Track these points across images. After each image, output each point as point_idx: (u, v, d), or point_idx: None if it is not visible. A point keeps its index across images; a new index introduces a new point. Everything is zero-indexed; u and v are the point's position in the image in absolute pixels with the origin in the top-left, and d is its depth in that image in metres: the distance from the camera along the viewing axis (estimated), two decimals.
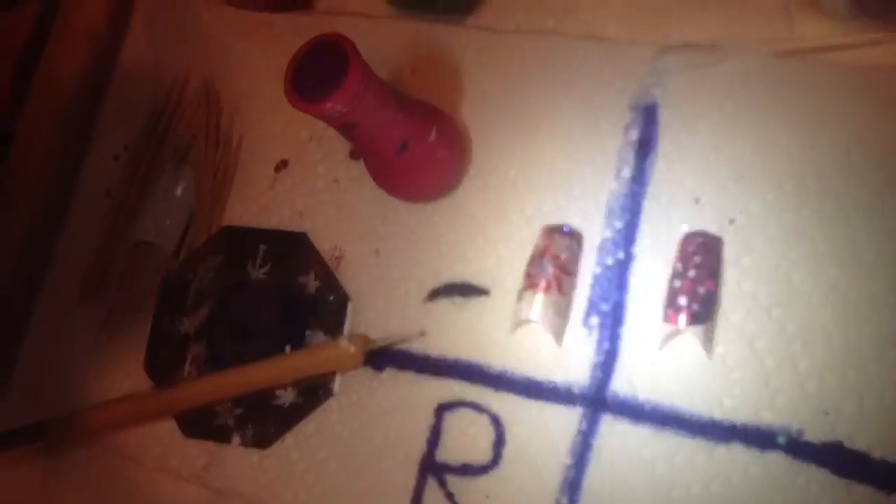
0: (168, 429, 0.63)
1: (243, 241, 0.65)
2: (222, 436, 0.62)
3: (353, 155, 0.63)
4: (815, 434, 0.47)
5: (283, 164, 0.65)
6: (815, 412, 0.48)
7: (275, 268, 0.63)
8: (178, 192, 0.66)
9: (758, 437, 0.48)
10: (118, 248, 0.67)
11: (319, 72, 0.50)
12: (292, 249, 0.63)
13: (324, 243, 0.62)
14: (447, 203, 0.60)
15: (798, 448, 0.47)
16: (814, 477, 0.47)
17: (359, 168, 0.62)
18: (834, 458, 0.47)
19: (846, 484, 0.46)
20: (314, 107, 0.49)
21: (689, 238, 0.51)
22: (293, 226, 0.63)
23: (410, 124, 0.55)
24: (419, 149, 0.55)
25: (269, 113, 0.66)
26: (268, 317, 0.62)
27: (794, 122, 0.52)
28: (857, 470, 0.46)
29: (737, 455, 0.49)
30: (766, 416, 0.49)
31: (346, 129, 0.53)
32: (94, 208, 0.71)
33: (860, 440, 0.46)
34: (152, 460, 0.63)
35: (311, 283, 0.62)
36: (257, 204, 0.65)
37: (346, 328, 0.60)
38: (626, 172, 0.55)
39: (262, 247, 0.64)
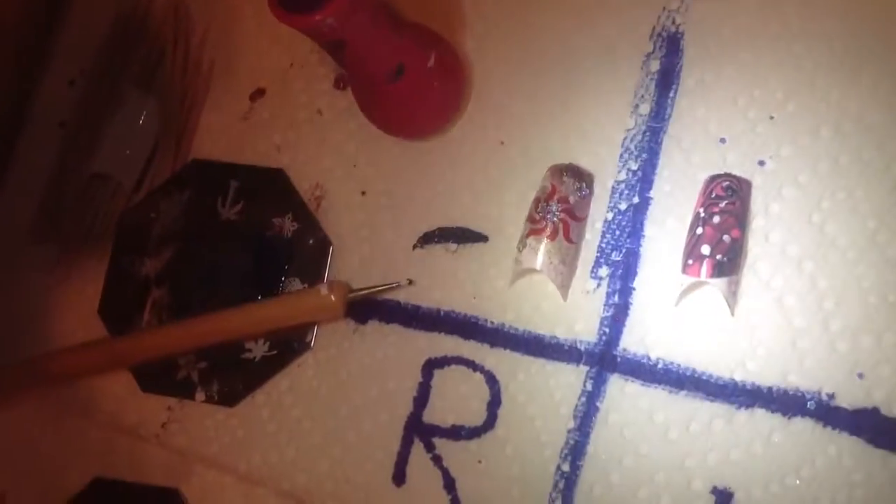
0: (124, 382, 0.58)
1: (213, 176, 0.59)
2: (184, 391, 0.56)
3: (339, 84, 0.57)
4: (847, 399, 0.43)
5: (259, 93, 0.59)
6: (848, 375, 0.43)
7: (248, 207, 0.57)
8: (141, 120, 0.60)
9: (784, 402, 0.44)
10: (72, 182, 0.61)
11: None
12: (268, 187, 0.57)
13: (303, 181, 0.57)
14: (443, 141, 0.54)
15: (829, 414, 0.43)
16: (846, 446, 0.43)
17: (345, 99, 0.56)
18: (869, 425, 0.43)
19: (882, 455, 0.42)
20: (301, 19, 0.44)
21: (714, 180, 0.46)
22: (269, 161, 0.58)
23: (406, 48, 0.49)
24: (415, 76, 0.50)
25: (245, 35, 0.60)
26: (239, 261, 0.57)
27: (833, 61, 0.47)
28: (894, 439, 0.42)
29: (760, 421, 0.44)
30: (793, 380, 0.44)
31: (334, 48, 0.47)
32: (46, 140, 0.64)
33: None
34: (106, 417, 0.58)
35: (288, 225, 0.56)
36: (229, 136, 0.59)
37: (327, 275, 0.55)
38: (644, 108, 0.50)
39: (234, 183, 0.58)
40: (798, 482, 0.43)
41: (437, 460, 0.50)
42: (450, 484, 0.49)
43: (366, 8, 0.45)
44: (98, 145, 0.60)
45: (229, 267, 0.57)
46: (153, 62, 0.61)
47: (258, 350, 0.55)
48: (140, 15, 0.62)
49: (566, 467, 0.47)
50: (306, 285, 0.55)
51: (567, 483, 0.47)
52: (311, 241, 0.56)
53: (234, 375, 0.55)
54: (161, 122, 0.60)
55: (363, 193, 0.55)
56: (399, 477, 0.51)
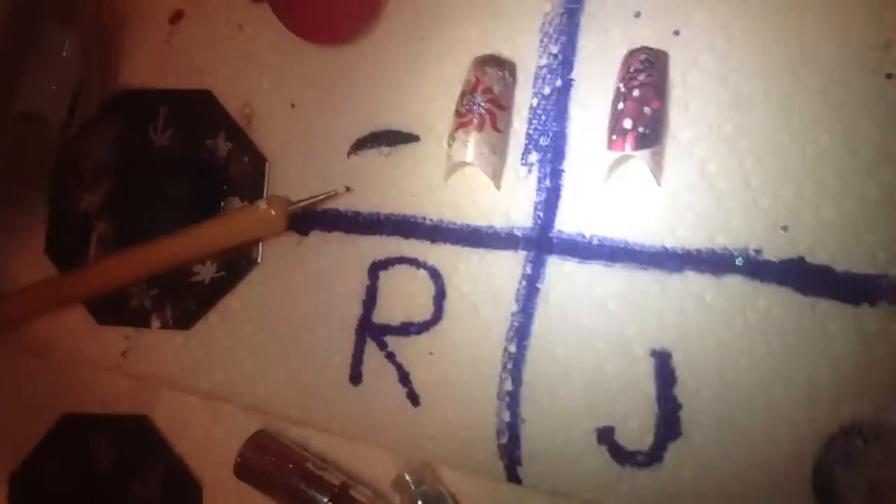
0: (79, 317, 0.58)
1: (141, 104, 0.58)
2: (140, 319, 0.57)
3: None
4: (773, 252, 0.45)
5: (178, 15, 0.58)
6: (772, 229, 0.45)
7: (179, 132, 0.57)
8: (63, 53, 0.58)
9: (713, 262, 0.45)
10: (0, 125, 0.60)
11: None
12: (197, 110, 0.57)
13: (232, 100, 0.56)
14: (366, 43, 0.54)
15: (757, 268, 0.45)
16: (776, 297, 0.44)
17: (265, 10, 0.55)
18: (796, 274, 0.44)
19: (811, 301, 0.44)
20: None
21: (631, 55, 0.47)
22: (196, 83, 0.57)
23: None
24: None
25: None
26: (177, 186, 0.57)
27: None
28: (820, 285, 0.43)
29: (692, 283, 0.46)
30: (720, 240, 0.45)
31: None
32: None
33: (822, 254, 0.44)
34: (65, 352, 0.58)
35: (222, 146, 0.56)
36: (153, 62, 0.58)
37: (266, 192, 0.55)
38: None
39: (163, 109, 0.58)
40: (731, 336, 0.45)
41: (390, 357, 0.51)
42: (404, 377, 0.51)
43: None
44: (22, 84, 0.59)
45: (168, 193, 0.57)
46: None
47: (207, 272, 0.56)
48: None
49: (513, 348, 0.49)
50: (246, 203, 0.55)
51: (515, 363, 0.48)
52: (245, 160, 0.56)
53: (186, 299, 0.56)
54: (83, 55, 0.59)
55: (293, 106, 0.55)
56: (356, 377, 0.52)
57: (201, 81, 0.57)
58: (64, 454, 0.57)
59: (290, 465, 0.51)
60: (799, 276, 0.44)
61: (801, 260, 0.44)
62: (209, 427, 0.55)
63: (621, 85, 0.46)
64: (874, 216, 0.43)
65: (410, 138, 0.52)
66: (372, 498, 0.50)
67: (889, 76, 0.43)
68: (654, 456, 0.45)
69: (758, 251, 0.45)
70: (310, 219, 0.54)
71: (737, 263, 0.45)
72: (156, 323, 0.56)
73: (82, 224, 0.58)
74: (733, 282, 0.45)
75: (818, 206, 0.44)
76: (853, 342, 0.43)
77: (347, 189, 0.53)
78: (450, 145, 0.49)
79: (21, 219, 0.60)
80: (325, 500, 0.49)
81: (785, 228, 0.44)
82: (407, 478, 0.49)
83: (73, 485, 0.57)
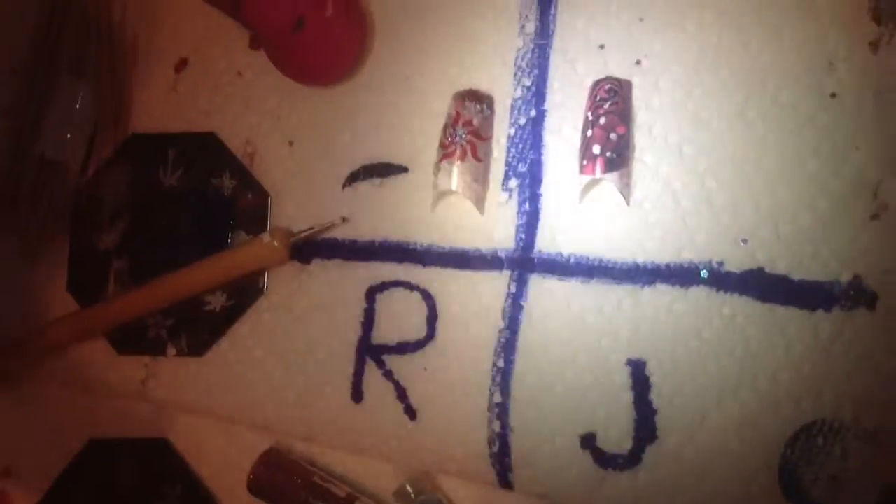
0: (101, 349, 0.62)
1: (151, 148, 0.62)
2: (157, 348, 0.61)
3: (253, 44, 0.60)
4: (735, 264, 0.48)
5: (182, 63, 0.62)
6: (733, 242, 0.48)
7: (187, 172, 0.61)
8: (78, 104, 0.63)
9: (680, 275, 0.49)
10: (23, 170, 0.64)
11: None
12: (203, 151, 0.61)
13: (234, 140, 0.61)
14: (355, 83, 0.58)
15: (721, 280, 0.48)
16: (738, 306, 0.47)
17: (262, 57, 0.59)
18: (756, 284, 0.47)
19: (770, 308, 0.47)
20: None
21: (598, 84, 0.50)
22: (201, 126, 0.61)
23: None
24: (316, 25, 0.53)
25: (162, 8, 0.63)
26: (187, 223, 0.61)
27: None
28: (779, 293, 0.47)
29: (661, 295, 0.49)
30: (686, 254, 0.49)
31: (234, 9, 0.50)
32: None
33: (779, 264, 0.47)
34: (89, 382, 0.62)
35: (227, 184, 0.60)
36: (161, 108, 0.63)
37: (269, 224, 0.59)
38: (530, 27, 0.53)
39: (172, 152, 0.62)
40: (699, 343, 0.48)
41: (388, 375, 0.55)
42: (402, 394, 0.54)
43: None
44: (42, 132, 0.64)
45: (179, 230, 0.61)
46: (82, 46, 0.64)
47: (217, 301, 0.60)
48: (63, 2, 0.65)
49: (501, 363, 0.52)
50: (251, 236, 0.59)
51: (503, 376, 0.52)
52: (249, 196, 0.60)
53: (199, 328, 0.60)
54: (97, 103, 0.63)
55: (290, 143, 0.59)
56: (357, 395, 0.55)
57: (206, 124, 0.61)
58: (90, 477, 0.61)
59: (299, 480, 0.54)
60: (759, 285, 0.47)
61: (760, 270, 0.47)
62: (224, 447, 0.59)
63: (589, 113, 0.50)
64: (826, 227, 0.46)
65: (400, 169, 0.56)
66: None
67: (833, 95, 0.46)
68: (633, 459, 0.49)
69: (720, 263, 0.48)
70: (311, 248, 0.58)
71: (702, 276, 0.48)
72: (171, 351, 0.60)
73: (101, 262, 0.63)
74: (699, 293, 0.48)
75: (775, 219, 0.47)
76: (811, 345, 0.46)
77: (344, 219, 0.57)
78: (435, 175, 0.53)
79: (45, 259, 0.64)
80: None
81: (745, 241, 0.48)
82: (408, 488, 0.53)
83: None
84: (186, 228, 0.61)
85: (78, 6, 0.64)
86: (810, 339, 0.46)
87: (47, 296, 0.64)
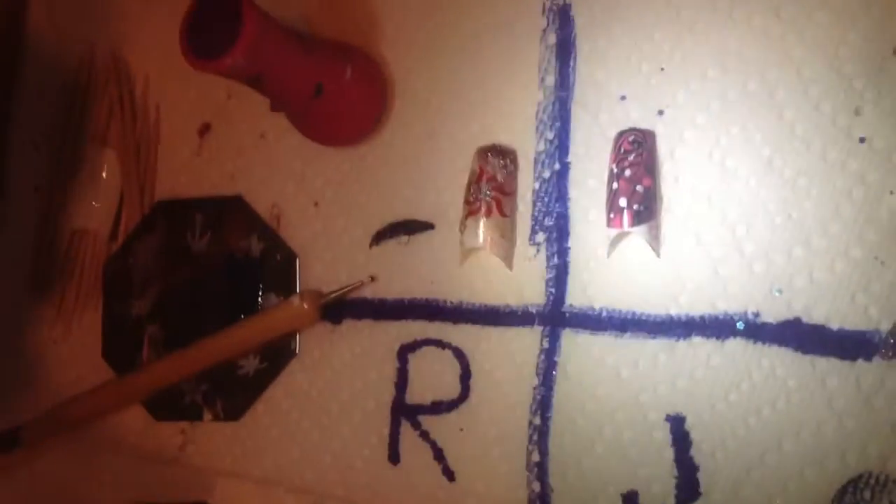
0: (139, 415, 0.63)
1: (179, 213, 0.63)
2: (193, 414, 0.61)
3: (275, 107, 0.60)
4: (772, 315, 0.47)
5: (205, 128, 0.63)
6: (768, 293, 0.47)
7: (215, 236, 0.62)
8: (104, 174, 0.64)
9: (716, 327, 0.48)
10: (54, 240, 0.65)
11: (220, 27, 0.47)
12: (230, 214, 0.61)
13: (261, 203, 0.61)
14: (378, 142, 0.58)
15: (757, 331, 0.47)
16: (777, 357, 0.46)
17: (284, 119, 0.59)
18: (794, 335, 0.46)
19: (810, 359, 0.46)
20: (213, 64, 0.47)
21: (621, 136, 0.50)
22: (227, 189, 0.62)
23: (321, 66, 0.53)
24: (334, 90, 0.53)
25: (182, 77, 0.64)
26: (217, 287, 0.61)
27: (706, 3, 0.50)
28: (817, 343, 0.46)
29: (698, 348, 0.48)
30: (721, 305, 0.48)
31: (254, 82, 0.50)
32: (26, 206, 0.69)
33: (816, 313, 0.46)
34: (129, 448, 0.63)
35: (255, 246, 0.61)
36: (186, 173, 0.63)
37: (298, 285, 0.59)
38: (550, 80, 0.53)
39: (199, 216, 0.62)
40: (739, 397, 0.47)
41: (424, 435, 0.54)
42: (439, 454, 0.54)
43: (272, 41, 0.48)
44: (70, 203, 0.65)
45: (209, 294, 0.61)
46: (106, 118, 0.65)
47: (251, 365, 0.60)
48: (84, 75, 0.66)
49: (537, 421, 0.51)
50: (281, 298, 0.59)
51: (540, 434, 0.51)
52: (278, 257, 0.60)
53: (233, 392, 0.60)
54: (122, 172, 0.64)
55: (316, 204, 0.59)
56: (394, 456, 0.55)
57: (232, 187, 0.62)
58: None
59: None
60: (797, 335, 0.46)
61: (797, 320, 0.46)
62: None
63: (614, 166, 0.49)
64: (862, 274, 0.45)
65: (426, 227, 0.56)
66: None
67: (862, 140, 0.45)
68: None
69: (756, 314, 0.47)
70: (341, 308, 0.58)
71: (738, 327, 0.47)
72: (208, 416, 0.61)
73: (134, 328, 0.63)
74: (736, 345, 0.47)
75: (810, 267, 0.46)
76: (853, 397, 0.44)
77: (372, 279, 0.57)
78: (462, 232, 0.53)
79: (79, 328, 0.65)
80: None
81: (780, 291, 0.47)
82: None
83: None
84: (217, 292, 0.61)
85: (100, 80, 0.65)
86: (852, 390, 0.45)
87: (83, 364, 0.65)
